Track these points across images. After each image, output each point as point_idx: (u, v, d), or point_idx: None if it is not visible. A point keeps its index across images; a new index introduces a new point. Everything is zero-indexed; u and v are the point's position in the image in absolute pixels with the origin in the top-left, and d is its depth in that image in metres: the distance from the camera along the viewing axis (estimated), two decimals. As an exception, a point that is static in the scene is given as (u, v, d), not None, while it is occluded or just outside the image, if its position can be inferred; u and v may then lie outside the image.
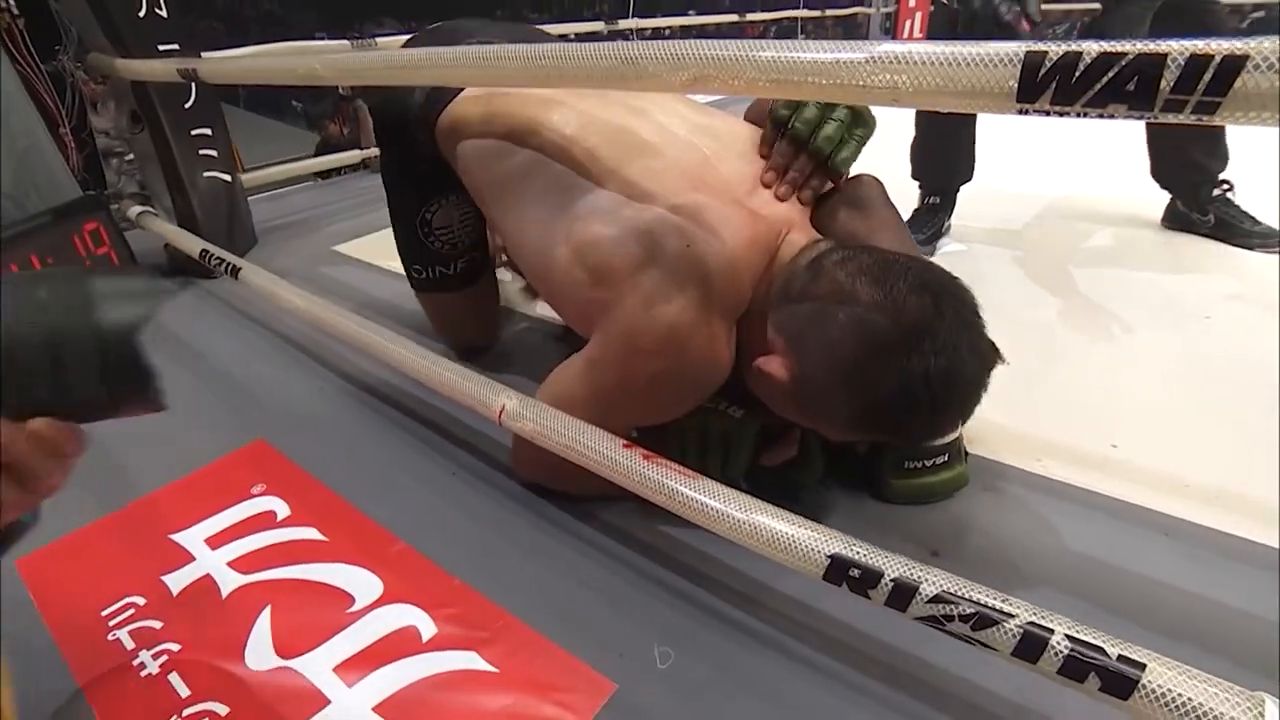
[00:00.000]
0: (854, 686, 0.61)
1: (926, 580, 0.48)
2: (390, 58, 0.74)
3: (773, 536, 0.55)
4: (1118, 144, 1.99)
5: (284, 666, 0.64)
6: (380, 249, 1.75)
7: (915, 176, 1.61)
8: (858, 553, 0.51)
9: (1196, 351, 1.11)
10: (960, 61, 0.39)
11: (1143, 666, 0.41)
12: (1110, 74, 0.34)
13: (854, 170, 0.80)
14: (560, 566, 0.75)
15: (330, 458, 0.94)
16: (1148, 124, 1.46)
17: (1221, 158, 1.49)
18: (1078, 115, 0.36)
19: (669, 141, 0.77)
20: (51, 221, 1.29)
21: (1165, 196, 1.59)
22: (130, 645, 0.67)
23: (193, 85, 1.54)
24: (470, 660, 0.64)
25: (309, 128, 4.61)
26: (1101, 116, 0.35)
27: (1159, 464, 0.86)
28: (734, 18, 4.45)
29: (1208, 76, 0.32)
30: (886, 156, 0.84)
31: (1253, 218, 1.50)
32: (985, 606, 0.46)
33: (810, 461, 0.79)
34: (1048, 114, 0.37)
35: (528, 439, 0.72)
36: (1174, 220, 1.59)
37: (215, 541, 0.80)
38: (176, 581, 0.75)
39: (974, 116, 1.47)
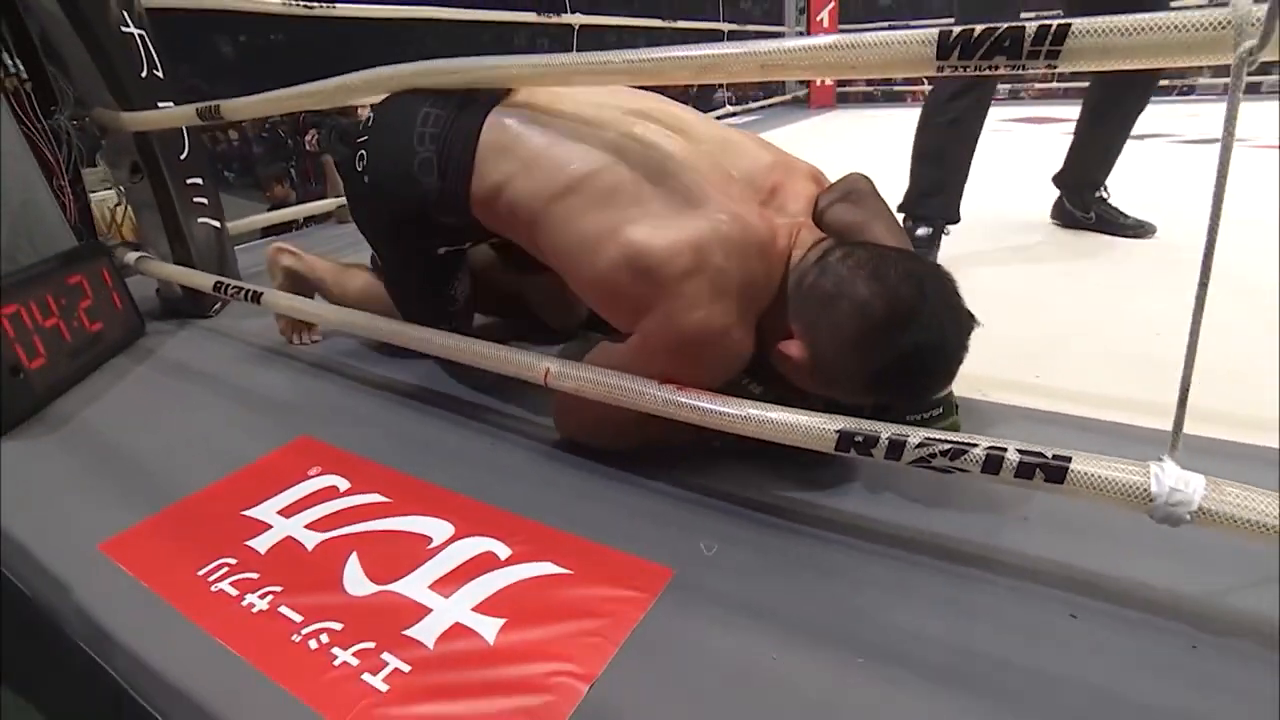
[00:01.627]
0: (872, 552, 0.75)
1: (912, 434, 0.64)
2: (421, 67, 0.89)
3: (792, 425, 0.70)
4: (996, 169, 2.33)
5: (383, 590, 0.74)
6: (370, 282, 1.86)
7: (904, 209, 1.69)
8: (859, 425, 0.67)
9: (1092, 304, 1.36)
10: (894, 41, 0.58)
11: (1069, 459, 0.58)
12: (991, 39, 0.53)
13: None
14: (607, 501, 0.87)
15: (375, 442, 1.03)
16: (1074, 143, 1.82)
17: (1106, 171, 1.81)
18: (975, 69, 0.55)
19: (698, 155, 0.88)
20: (60, 266, 1.36)
21: (1044, 207, 1.93)
22: (235, 593, 0.75)
23: (185, 138, 1.64)
24: (547, 568, 0.75)
25: (254, 188, 4.67)
26: (992, 68, 0.54)
27: (1069, 384, 1.06)
28: (658, 22, 4.75)
29: (1050, 37, 0.51)
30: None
31: (1124, 213, 1.82)
32: (955, 442, 0.62)
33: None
34: (957, 70, 0.56)
35: (571, 403, 0.87)
36: (1061, 217, 1.92)
37: (287, 512, 0.89)
38: (261, 544, 0.83)
39: (970, 155, 1.65)
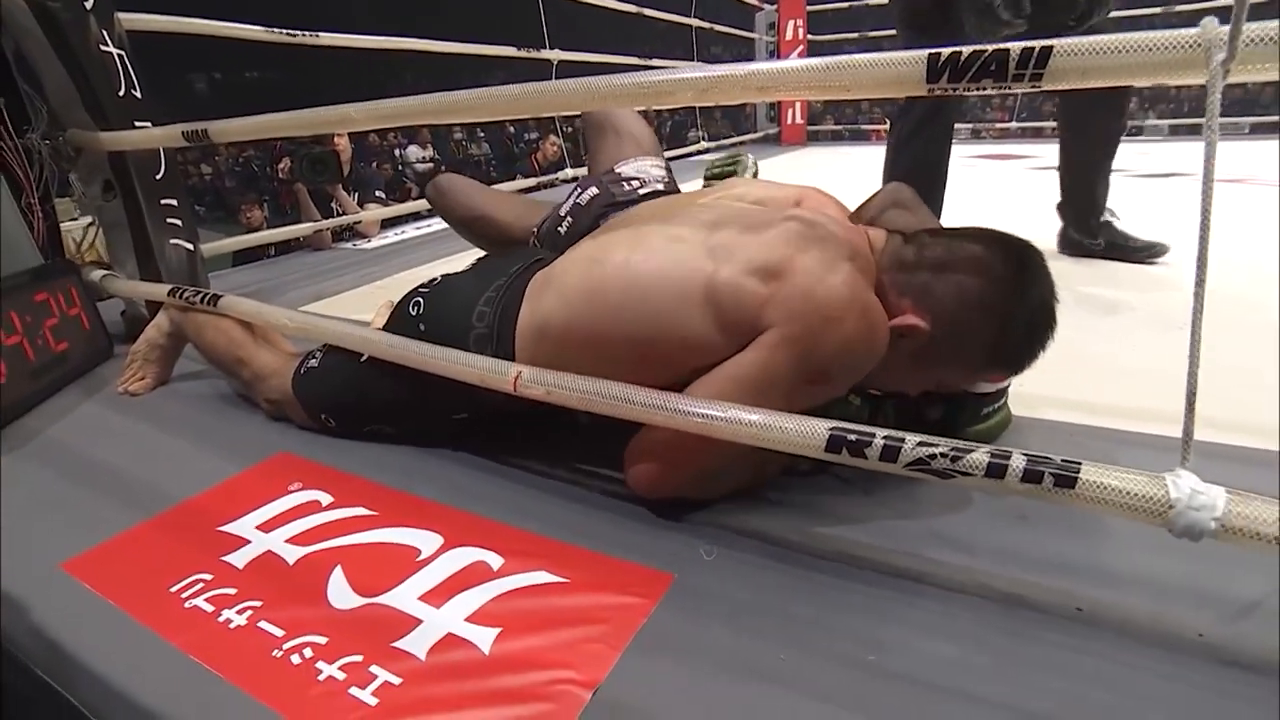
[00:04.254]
0: (879, 550, 0.76)
1: (909, 437, 0.62)
2: (427, 100, 0.91)
3: (777, 428, 0.67)
4: (978, 203, 2.43)
5: (370, 602, 0.72)
6: (348, 307, 1.84)
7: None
8: (851, 426, 0.65)
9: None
10: (886, 62, 0.61)
11: (1079, 465, 0.57)
12: (979, 62, 0.57)
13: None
14: (600, 508, 0.86)
15: (357, 458, 1.01)
16: (1062, 172, 1.84)
17: (1104, 194, 1.83)
18: (965, 90, 0.58)
19: (734, 210, 0.89)
20: (29, 282, 1.32)
21: (1045, 235, 1.92)
22: (210, 609, 0.72)
23: (162, 158, 1.63)
24: (542, 577, 0.74)
25: (227, 221, 4.60)
26: (980, 89, 0.58)
27: (1056, 391, 1.10)
28: (636, 60, 4.87)
29: (1034, 59, 0.55)
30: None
31: (1132, 235, 1.83)
32: (955, 446, 0.60)
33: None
34: (946, 92, 0.59)
35: (666, 448, 0.79)
36: (1069, 247, 1.89)
37: (267, 527, 0.86)
38: (239, 559, 0.80)
39: (942, 184, 1.71)
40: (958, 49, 0.58)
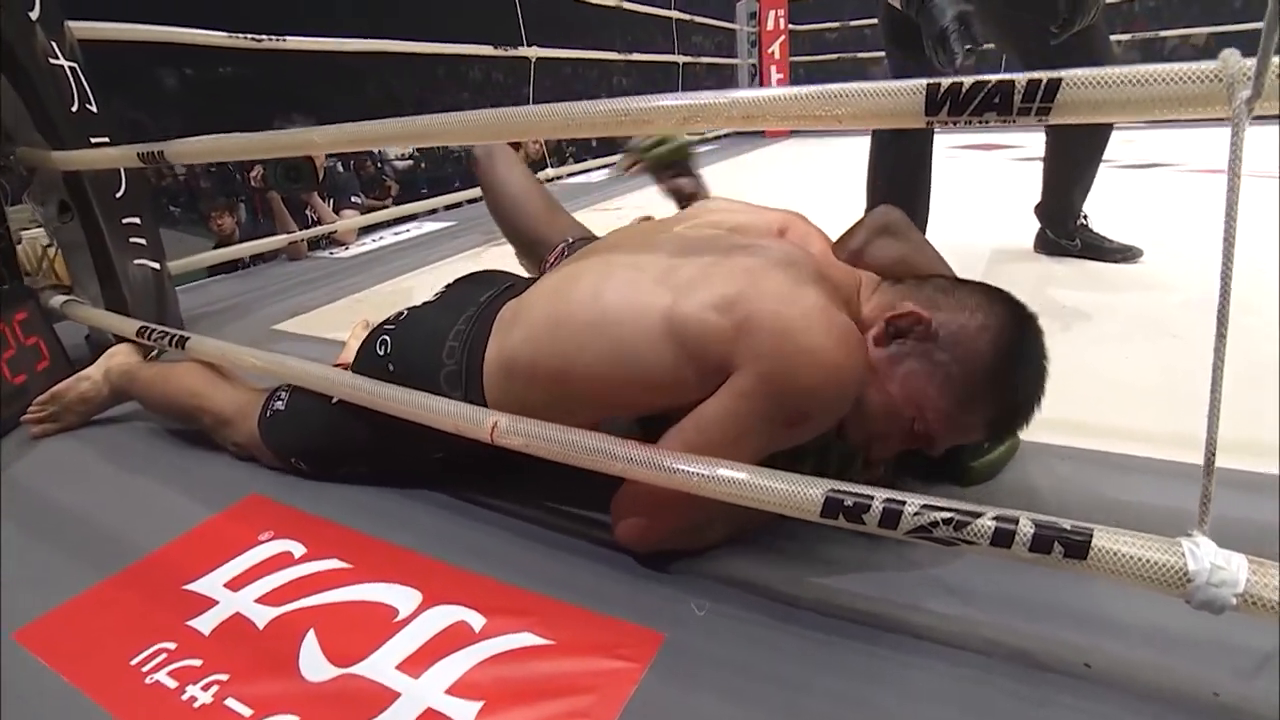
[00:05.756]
0: (878, 602, 0.72)
1: (910, 500, 0.58)
2: (394, 125, 0.85)
3: (770, 490, 0.63)
4: (961, 198, 2.40)
5: (345, 673, 0.67)
6: (324, 323, 1.78)
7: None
8: (847, 489, 0.60)
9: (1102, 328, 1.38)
10: (882, 92, 0.57)
11: (1090, 532, 0.53)
12: (981, 94, 0.53)
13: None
14: (588, 559, 0.82)
15: (332, 501, 0.96)
16: (1045, 173, 1.80)
17: (1083, 197, 1.80)
18: (966, 124, 0.54)
19: (704, 240, 0.84)
20: (-19, 312, 1.25)
21: (1024, 233, 1.92)
22: (173, 684, 0.68)
23: (123, 175, 1.55)
24: (526, 639, 0.70)
25: (200, 223, 4.49)
26: (984, 123, 0.53)
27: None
28: (615, 55, 4.84)
29: (1041, 92, 0.51)
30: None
31: (1108, 238, 1.82)
32: (959, 510, 0.56)
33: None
34: (946, 125, 0.55)
35: (649, 501, 0.75)
36: (1045, 247, 1.87)
37: (235, 585, 0.81)
38: (205, 624, 0.75)
39: (928, 179, 1.67)
40: (959, 80, 0.53)
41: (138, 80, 10.81)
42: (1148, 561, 0.51)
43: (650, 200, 2.99)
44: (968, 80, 0.53)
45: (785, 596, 0.74)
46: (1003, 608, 0.70)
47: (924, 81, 0.55)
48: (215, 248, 3.20)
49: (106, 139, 1.50)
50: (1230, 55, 0.46)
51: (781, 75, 5.50)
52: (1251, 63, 0.45)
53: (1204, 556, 0.50)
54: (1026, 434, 0.97)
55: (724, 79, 6.08)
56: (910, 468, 0.90)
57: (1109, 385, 1.14)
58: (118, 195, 1.54)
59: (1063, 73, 0.50)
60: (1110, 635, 0.66)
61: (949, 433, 0.75)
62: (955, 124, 0.55)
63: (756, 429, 0.71)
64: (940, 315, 0.73)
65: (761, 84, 5.63)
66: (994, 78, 0.52)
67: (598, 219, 2.61)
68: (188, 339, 1.18)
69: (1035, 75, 0.51)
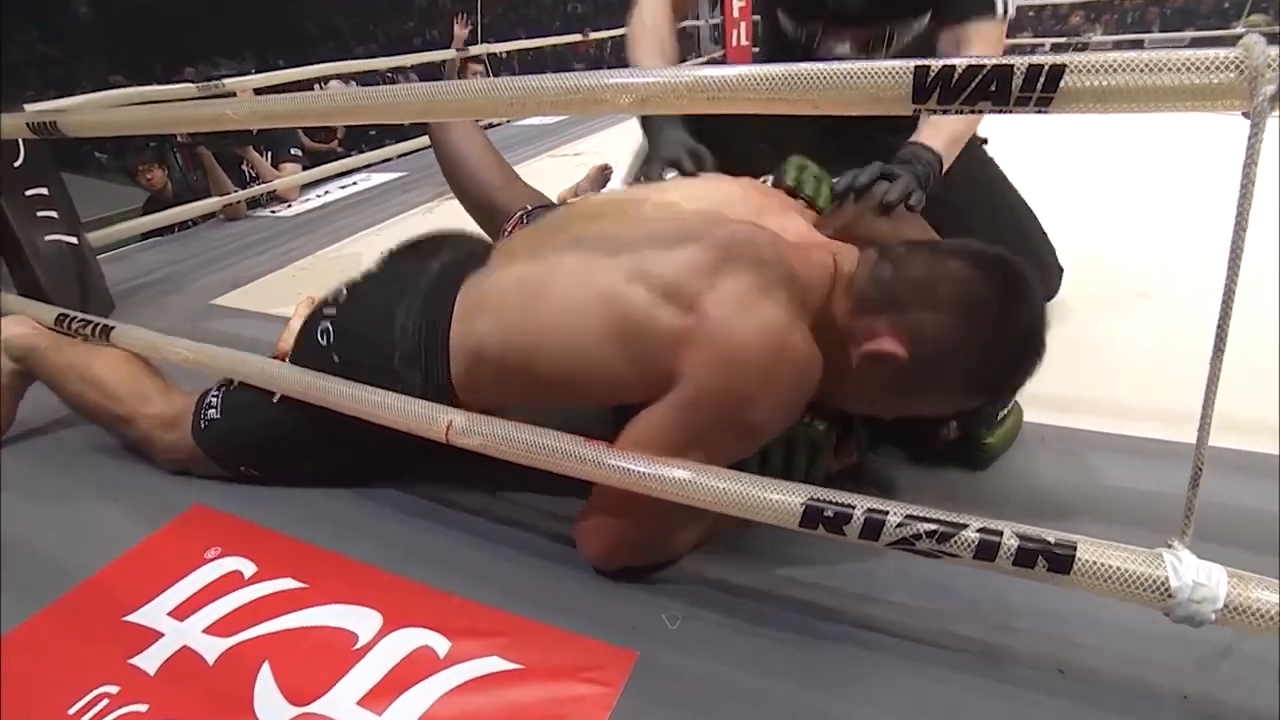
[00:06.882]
0: (857, 608, 0.71)
1: (893, 510, 0.56)
2: (323, 99, 0.75)
3: (747, 497, 0.60)
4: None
5: (304, 713, 0.64)
6: (267, 296, 1.67)
7: None
8: (829, 497, 0.58)
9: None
10: (864, 74, 0.50)
11: (1075, 546, 0.52)
12: (975, 81, 0.47)
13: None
14: (556, 566, 0.79)
15: (283, 508, 0.91)
16: None
17: None
18: (958, 112, 0.48)
19: (669, 219, 0.78)
20: None
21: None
22: (118, 734, 0.63)
23: (20, 143, 1.40)
24: (493, 664, 0.67)
25: (127, 180, 4.16)
26: (976, 111, 0.47)
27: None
28: (578, 37, 4.61)
29: (1042, 79, 0.45)
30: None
31: None
32: (943, 522, 0.54)
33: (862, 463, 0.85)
34: (935, 112, 0.49)
35: (600, 528, 0.74)
36: None
37: (181, 612, 0.76)
38: (149, 661, 0.70)
39: None
40: (951, 63, 0.47)
41: (46, 8, 9.79)
42: (1131, 575, 0.50)
43: (609, 143, 2.85)
44: (961, 63, 0.47)
45: (757, 596, 0.72)
46: (977, 603, 0.69)
47: (912, 63, 0.48)
48: (147, 203, 2.99)
49: (-6, 100, 1.33)
50: (1254, 42, 0.40)
51: (746, 35, 5.21)
52: (1277, 52, 0.39)
53: (1186, 575, 0.49)
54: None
55: (684, 43, 5.77)
56: (923, 454, 0.89)
57: (1080, 356, 1.13)
58: (16, 165, 1.39)
59: (1066, 58, 0.44)
60: (1085, 633, 0.66)
61: (931, 415, 0.75)
62: (946, 111, 0.49)
63: (705, 441, 0.68)
64: (916, 329, 0.67)
65: (724, 45, 5.36)
66: (991, 61, 0.46)
67: (557, 168, 2.50)
68: (112, 329, 1.08)
69: (1036, 60, 0.45)
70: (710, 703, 0.62)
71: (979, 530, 0.53)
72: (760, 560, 0.77)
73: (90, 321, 1.11)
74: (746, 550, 0.78)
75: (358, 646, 0.70)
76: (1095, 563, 0.51)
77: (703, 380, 0.67)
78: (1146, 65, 0.43)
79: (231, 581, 0.80)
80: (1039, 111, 0.46)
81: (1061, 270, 1.25)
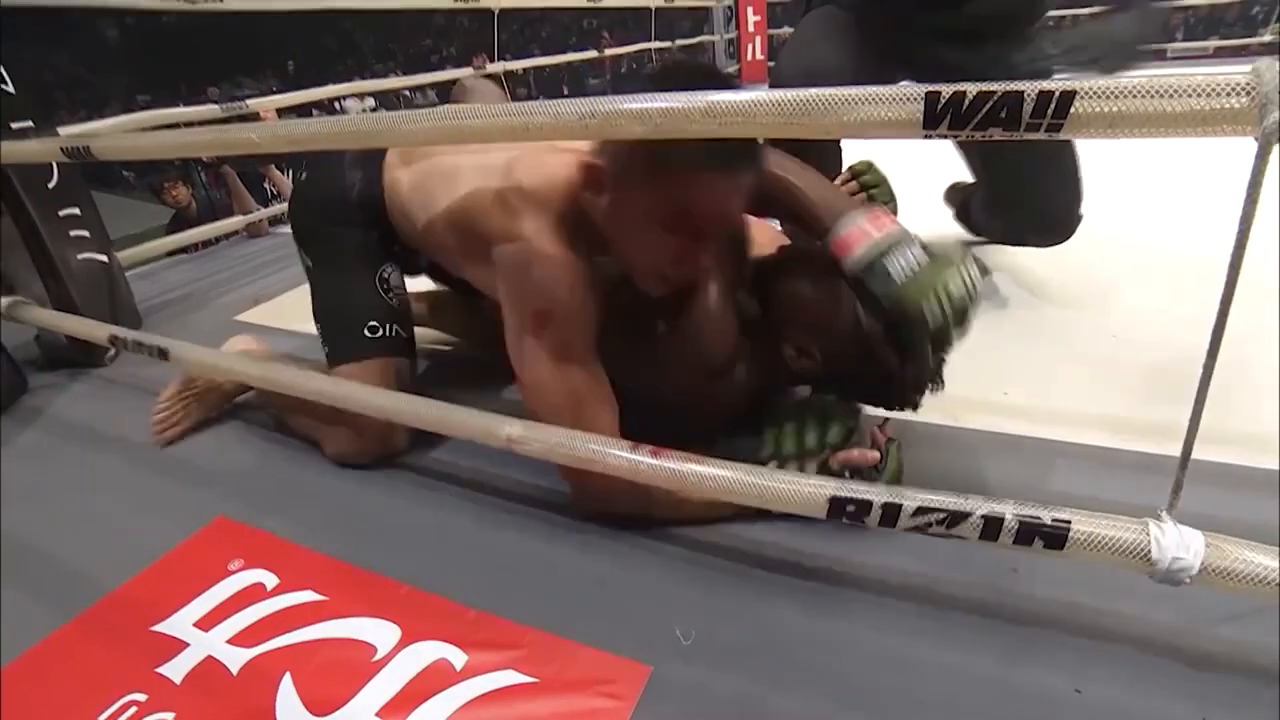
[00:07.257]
0: (874, 613, 0.71)
1: (907, 499, 0.60)
2: (346, 124, 0.78)
3: (780, 491, 0.65)
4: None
5: (324, 723, 0.65)
6: (290, 312, 1.70)
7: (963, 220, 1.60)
8: (851, 491, 0.62)
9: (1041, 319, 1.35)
10: (876, 100, 0.51)
11: (1069, 522, 0.56)
12: (986, 107, 0.47)
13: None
14: (570, 577, 0.80)
15: (304, 521, 0.92)
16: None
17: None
18: (968, 138, 0.49)
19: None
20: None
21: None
22: (144, 743, 0.65)
23: (54, 164, 1.44)
24: (509, 677, 0.68)
25: (153, 198, 4.27)
26: (986, 137, 0.48)
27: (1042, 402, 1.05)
28: (594, 54, 4.67)
29: (1053, 106, 0.46)
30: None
31: None
32: (953, 510, 0.59)
33: (890, 464, 0.81)
34: (945, 137, 0.50)
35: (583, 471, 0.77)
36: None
37: (206, 623, 0.78)
38: (176, 670, 0.72)
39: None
40: (961, 89, 0.48)
41: (77, 32, 10.09)
42: (1117, 542, 0.55)
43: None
44: (971, 89, 0.48)
45: (771, 616, 0.72)
46: (992, 607, 0.69)
47: (922, 89, 0.49)
48: (172, 220, 3.06)
49: (29, 122, 1.38)
50: (1266, 66, 0.41)
51: (759, 17, 5.29)
52: (1287, 76, 0.40)
53: (1167, 543, 0.54)
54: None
55: (698, 21, 5.83)
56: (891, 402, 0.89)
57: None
58: (50, 186, 1.43)
59: (1077, 84, 0.45)
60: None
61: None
62: (956, 137, 0.50)
63: (532, 330, 0.80)
64: (613, 161, 0.76)
65: (739, 60, 5.43)
66: (1000, 87, 0.47)
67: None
68: (168, 350, 1.10)
69: (1047, 86, 0.46)
70: (726, 711, 0.62)
71: (983, 514, 0.58)
72: (772, 576, 0.77)
73: (144, 344, 1.14)
74: (758, 566, 0.79)
75: (376, 659, 0.71)
76: (1089, 534, 0.55)
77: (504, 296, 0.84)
78: (1156, 90, 0.44)
79: (254, 593, 0.81)
80: (1050, 137, 0.47)
81: (1080, 217, 1.29)
